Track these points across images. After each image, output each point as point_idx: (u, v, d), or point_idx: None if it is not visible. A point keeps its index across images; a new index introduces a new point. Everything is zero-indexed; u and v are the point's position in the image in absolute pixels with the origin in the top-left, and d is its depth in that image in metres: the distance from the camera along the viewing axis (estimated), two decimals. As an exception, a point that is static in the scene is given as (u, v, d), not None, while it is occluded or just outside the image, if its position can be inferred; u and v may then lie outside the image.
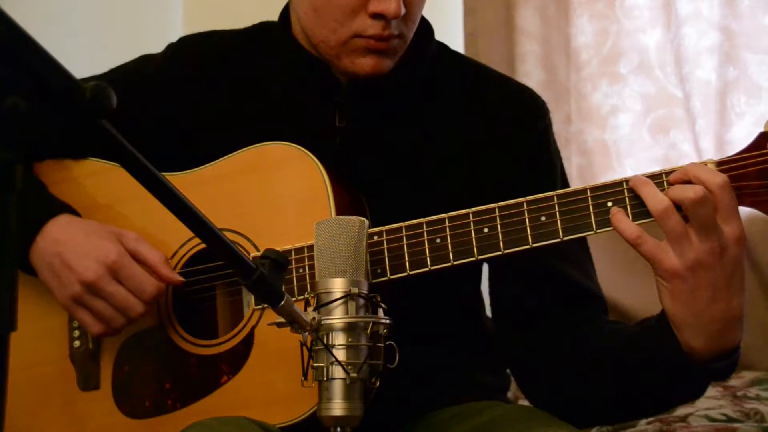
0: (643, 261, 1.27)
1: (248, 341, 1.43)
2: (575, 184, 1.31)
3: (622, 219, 1.27)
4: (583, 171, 3.18)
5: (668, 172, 1.28)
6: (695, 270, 1.24)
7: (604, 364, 1.39)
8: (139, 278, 1.43)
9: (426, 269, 1.35)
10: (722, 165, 1.27)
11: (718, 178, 1.23)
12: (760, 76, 3.05)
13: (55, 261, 1.45)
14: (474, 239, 1.34)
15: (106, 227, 1.48)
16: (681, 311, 1.27)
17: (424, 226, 1.36)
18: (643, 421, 2.17)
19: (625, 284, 2.88)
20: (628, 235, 1.26)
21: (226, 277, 1.50)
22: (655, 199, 1.24)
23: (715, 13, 3.09)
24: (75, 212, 1.54)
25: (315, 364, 1.22)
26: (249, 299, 1.46)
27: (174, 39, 1.67)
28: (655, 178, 1.28)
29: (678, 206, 1.24)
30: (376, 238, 1.36)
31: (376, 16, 1.42)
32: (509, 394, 1.70)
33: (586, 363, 1.41)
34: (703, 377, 1.33)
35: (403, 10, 1.41)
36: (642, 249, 1.26)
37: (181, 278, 1.46)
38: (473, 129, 1.53)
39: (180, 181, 1.48)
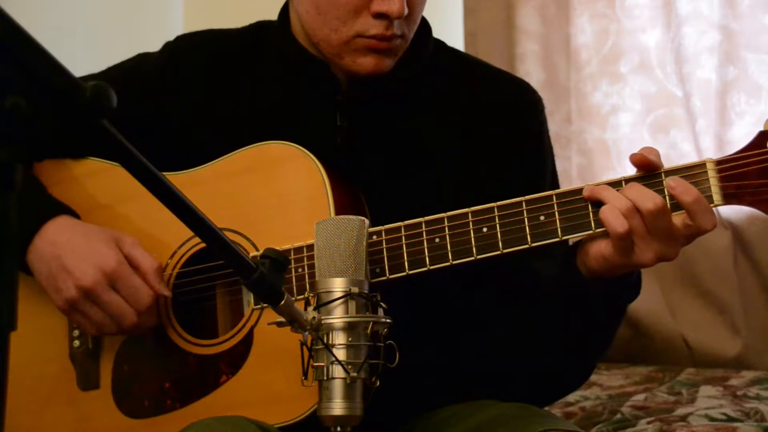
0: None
1: (247, 341, 1.43)
2: (575, 183, 1.31)
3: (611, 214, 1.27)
4: (583, 170, 3.18)
5: (667, 172, 1.29)
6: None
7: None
8: (136, 288, 1.44)
9: (425, 269, 1.35)
10: (722, 164, 1.28)
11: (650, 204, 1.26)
12: (760, 76, 3.06)
13: (53, 264, 1.45)
14: (473, 239, 1.34)
15: (105, 231, 1.48)
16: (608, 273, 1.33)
17: (423, 225, 1.36)
18: (643, 421, 2.17)
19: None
20: (614, 227, 1.27)
21: (226, 277, 1.50)
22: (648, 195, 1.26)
23: (715, 12, 3.10)
24: (74, 213, 1.54)
25: (315, 364, 1.22)
26: (249, 299, 1.46)
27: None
28: (653, 178, 1.29)
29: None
30: (375, 237, 1.36)
31: (380, 15, 1.41)
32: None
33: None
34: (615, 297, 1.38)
35: (406, 11, 1.41)
36: (622, 244, 1.28)
37: (168, 292, 1.46)
38: (472, 126, 1.53)
39: (180, 180, 1.48)
